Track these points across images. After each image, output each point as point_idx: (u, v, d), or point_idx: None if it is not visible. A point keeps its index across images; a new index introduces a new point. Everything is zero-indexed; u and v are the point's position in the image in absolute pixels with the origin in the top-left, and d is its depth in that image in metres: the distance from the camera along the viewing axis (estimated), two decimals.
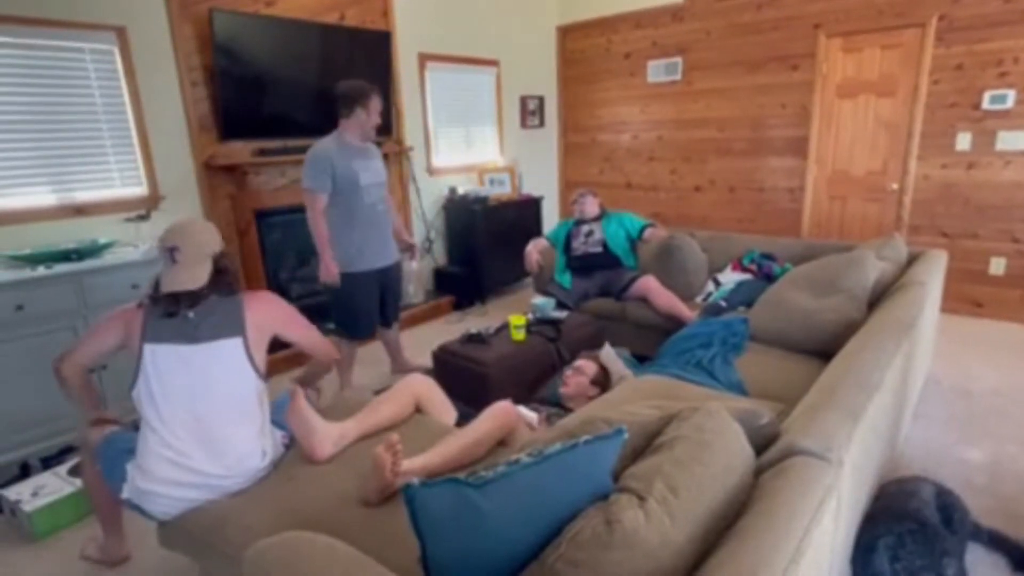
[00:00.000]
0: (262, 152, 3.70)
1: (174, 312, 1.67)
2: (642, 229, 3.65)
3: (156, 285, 1.72)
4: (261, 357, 1.76)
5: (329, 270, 2.91)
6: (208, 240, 1.75)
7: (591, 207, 3.71)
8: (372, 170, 3.01)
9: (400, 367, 3.57)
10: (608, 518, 0.93)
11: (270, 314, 1.80)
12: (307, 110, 3.90)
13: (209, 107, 3.49)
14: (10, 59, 2.79)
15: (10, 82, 2.80)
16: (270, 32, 3.61)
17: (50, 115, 2.93)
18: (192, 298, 1.69)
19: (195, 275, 1.70)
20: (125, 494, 1.69)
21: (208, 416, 1.65)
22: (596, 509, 0.98)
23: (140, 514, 1.70)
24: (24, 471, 2.55)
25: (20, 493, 2.24)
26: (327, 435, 1.74)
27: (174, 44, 3.30)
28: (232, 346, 1.69)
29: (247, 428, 1.71)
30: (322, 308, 4.21)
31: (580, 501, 1.01)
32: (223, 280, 1.76)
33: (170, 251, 1.70)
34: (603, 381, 2.44)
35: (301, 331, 1.91)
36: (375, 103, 2.88)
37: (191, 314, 1.68)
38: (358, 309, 3.09)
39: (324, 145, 2.87)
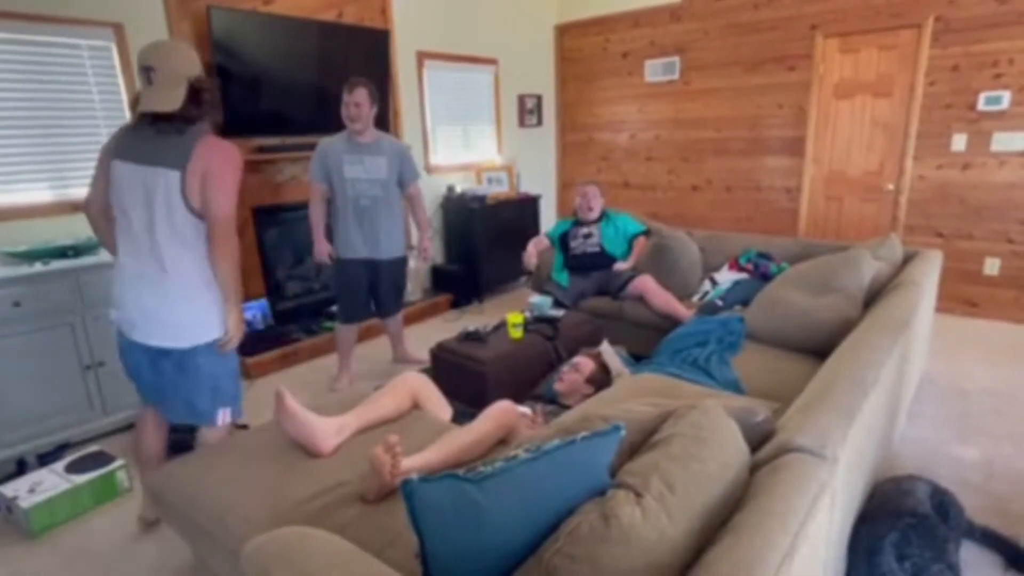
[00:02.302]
0: (260, 149, 3.70)
1: (138, 130, 1.77)
2: (633, 236, 3.69)
3: (135, 104, 1.78)
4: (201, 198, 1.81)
5: (320, 250, 3.15)
6: (184, 63, 1.76)
7: (596, 206, 3.72)
8: (364, 165, 3.07)
9: (400, 357, 3.65)
10: (605, 513, 0.94)
11: (211, 159, 1.77)
12: (305, 108, 3.89)
13: None
14: (6, 55, 2.78)
15: (7, 78, 2.79)
16: (268, 29, 3.60)
17: (47, 111, 2.92)
18: (164, 120, 1.74)
19: (170, 97, 1.72)
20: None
21: (151, 231, 1.77)
22: (593, 505, 0.99)
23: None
24: (21, 468, 2.55)
25: (17, 490, 2.24)
26: (327, 431, 1.74)
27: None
28: (171, 177, 1.74)
29: (188, 255, 1.81)
30: (319, 306, 4.23)
31: (577, 497, 1.02)
32: (200, 104, 1.77)
33: (145, 71, 1.72)
34: (601, 378, 2.44)
35: (218, 188, 1.77)
36: (345, 95, 2.99)
37: (153, 134, 1.75)
38: (342, 293, 3.27)
39: (326, 139, 3.09)
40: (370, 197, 3.11)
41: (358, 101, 2.96)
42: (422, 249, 3.36)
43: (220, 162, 1.78)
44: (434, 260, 5.05)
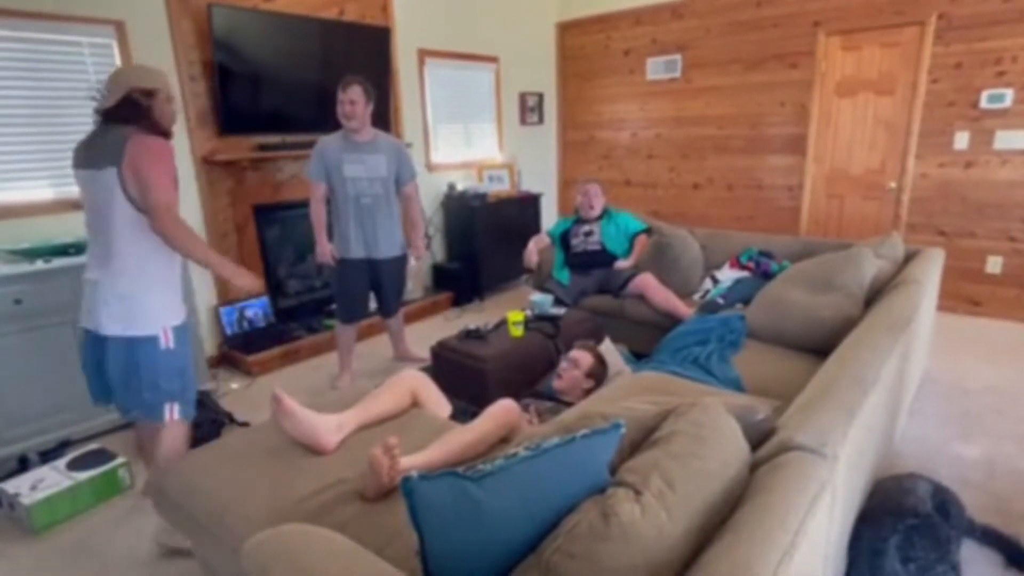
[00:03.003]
0: (261, 147, 3.70)
1: (87, 139, 1.91)
2: (634, 234, 3.68)
3: None
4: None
5: (322, 251, 3.15)
6: (132, 76, 1.91)
7: (597, 204, 3.72)
8: (364, 164, 3.06)
9: (401, 355, 3.66)
10: (605, 511, 0.94)
11: (138, 152, 1.82)
12: (306, 106, 3.89)
13: (207, 102, 3.48)
14: (8, 53, 2.78)
15: (8, 76, 2.79)
16: (269, 27, 3.60)
17: (48, 109, 2.92)
18: (103, 122, 1.88)
19: (106, 100, 1.88)
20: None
21: (99, 227, 1.89)
22: (593, 502, 0.99)
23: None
24: (23, 465, 2.55)
25: (19, 487, 2.25)
26: (328, 428, 1.74)
27: (173, 39, 3.29)
28: (110, 174, 1.83)
29: (131, 250, 1.88)
30: (320, 304, 4.23)
31: (577, 495, 1.02)
32: (132, 110, 1.87)
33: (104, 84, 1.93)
34: (599, 373, 2.44)
35: (148, 177, 1.80)
36: (340, 94, 2.98)
37: (95, 139, 1.87)
38: (342, 293, 3.27)
39: (325, 138, 3.07)
40: (371, 195, 3.10)
41: (353, 99, 2.94)
42: (414, 248, 3.35)
43: (145, 154, 1.84)
44: (434, 258, 5.05)
